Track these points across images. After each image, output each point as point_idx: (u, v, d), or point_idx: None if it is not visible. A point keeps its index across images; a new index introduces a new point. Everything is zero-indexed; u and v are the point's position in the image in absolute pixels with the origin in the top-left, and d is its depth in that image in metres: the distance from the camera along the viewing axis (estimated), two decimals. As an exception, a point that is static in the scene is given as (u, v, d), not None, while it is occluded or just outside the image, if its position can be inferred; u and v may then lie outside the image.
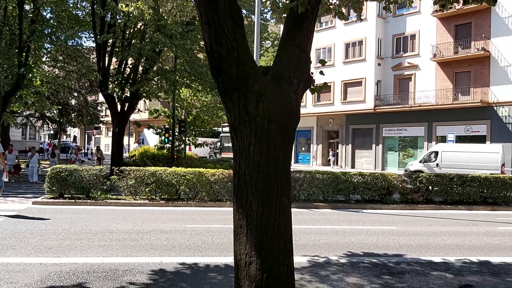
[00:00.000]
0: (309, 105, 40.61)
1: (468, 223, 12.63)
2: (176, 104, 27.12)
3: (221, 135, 45.68)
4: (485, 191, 16.07)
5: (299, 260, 7.72)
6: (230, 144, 44.81)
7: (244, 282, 3.55)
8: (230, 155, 41.85)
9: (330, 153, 40.05)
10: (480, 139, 30.54)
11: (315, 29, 31.48)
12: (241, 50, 3.52)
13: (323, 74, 4.06)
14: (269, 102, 3.57)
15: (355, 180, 15.84)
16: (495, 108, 29.95)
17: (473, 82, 31.00)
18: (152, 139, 45.54)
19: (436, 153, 25.99)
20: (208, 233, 10.06)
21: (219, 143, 45.60)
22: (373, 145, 36.90)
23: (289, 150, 3.72)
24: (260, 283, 3.48)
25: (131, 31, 22.78)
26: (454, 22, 32.08)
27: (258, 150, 3.55)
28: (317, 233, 10.36)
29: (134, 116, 46.68)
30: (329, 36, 39.01)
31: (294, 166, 37.83)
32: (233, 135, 3.67)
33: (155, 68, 23.19)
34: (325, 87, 4.07)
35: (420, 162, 26.67)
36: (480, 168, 22.27)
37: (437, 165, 25.30)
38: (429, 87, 33.25)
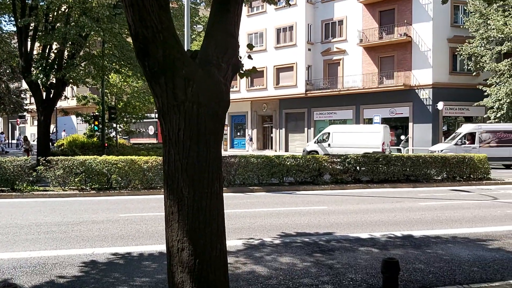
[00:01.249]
0: (242, 90, 40.75)
1: (393, 200, 13.41)
2: (106, 90, 26.15)
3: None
4: (407, 169, 17.08)
5: (234, 243, 7.84)
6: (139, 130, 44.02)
7: (176, 269, 3.55)
8: (138, 140, 41.32)
9: (247, 137, 40.66)
10: (404, 121, 32.35)
11: (247, 14, 31.43)
12: (168, 33, 3.46)
13: (252, 59, 4.09)
14: (197, 87, 3.54)
15: (288, 163, 16.20)
16: (416, 90, 31.76)
17: (396, 66, 32.61)
18: (74, 125, 43.71)
19: (329, 134, 28.10)
20: (142, 221, 9.90)
21: None
22: (305, 129, 37.87)
23: (219, 134, 3.74)
24: (193, 268, 3.50)
25: (55, 14, 21.47)
26: (378, 8, 33.42)
27: (188, 135, 3.53)
28: (252, 216, 10.53)
29: (61, 104, 44.42)
30: (260, 21, 39.17)
31: (230, 151, 38.00)
32: (161, 121, 3.62)
33: (82, 53, 22.12)
34: (254, 72, 4.10)
35: (315, 142, 28.68)
36: (364, 147, 24.51)
37: (329, 145, 27.32)
38: (356, 72, 34.54)
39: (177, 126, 3.52)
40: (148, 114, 40.65)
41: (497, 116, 27.91)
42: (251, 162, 15.92)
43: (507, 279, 5.95)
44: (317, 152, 26.51)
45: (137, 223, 9.67)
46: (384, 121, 31.44)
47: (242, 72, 4.00)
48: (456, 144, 24.97)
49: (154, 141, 42.84)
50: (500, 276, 6.13)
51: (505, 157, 24.19)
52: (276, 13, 37.95)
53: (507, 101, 27.02)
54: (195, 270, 3.50)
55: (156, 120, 42.14)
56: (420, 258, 7.00)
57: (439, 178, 17.63)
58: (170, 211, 3.61)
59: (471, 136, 25.01)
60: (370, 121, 32.34)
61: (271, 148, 39.92)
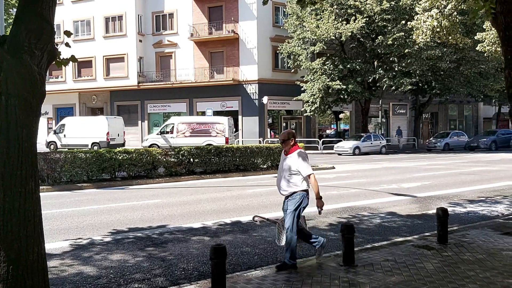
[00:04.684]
0: (69, 80, 37.90)
1: (224, 189, 14.03)
2: None
3: None
4: (237, 159, 18.03)
5: (60, 245, 7.34)
6: None
7: (-14, 278, 3.18)
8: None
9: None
10: (234, 114, 33.98)
11: (72, 0, 28.94)
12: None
13: (69, 46, 3.84)
14: (6, 75, 3.21)
15: (120, 157, 15.62)
16: (244, 85, 33.63)
17: (226, 61, 34.00)
18: None
19: (64, 125, 30.02)
20: None
21: None
22: (139, 122, 37.03)
23: (34, 127, 3.43)
24: (5, 276, 3.17)
25: None
26: (207, 4, 34.33)
27: (-4, 129, 3.17)
28: (81, 215, 9.92)
29: None
30: (87, 8, 36.83)
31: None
32: (-39, 113, 3.18)
33: None
34: (73, 60, 3.86)
35: (53, 133, 30.21)
36: (92, 137, 28.27)
37: (65, 135, 29.31)
38: (188, 65, 34.99)
39: (-20, 119, 3.14)
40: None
41: (312, 109, 31.25)
42: (79, 158, 14.91)
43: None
44: (54, 142, 29.40)
45: None
46: (217, 113, 32.58)
47: (59, 60, 3.74)
48: (157, 134, 28.70)
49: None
50: (314, 251, 6.93)
51: (198, 144, 24.32)
52: (104, 0, 36.09)
53: (320, 96, 30.42)
54: (9, 278, 3.19)
55: None
56: (247, 242, 7.50)
57: (265, 166, 19.02)
58: (-25, 215, 3.20)
59: (172, 127, 28.25)
60: (203, 113, 33.12)
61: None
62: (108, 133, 28.57)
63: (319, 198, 5.73)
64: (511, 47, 7.03)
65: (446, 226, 7.00)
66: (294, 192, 5.74)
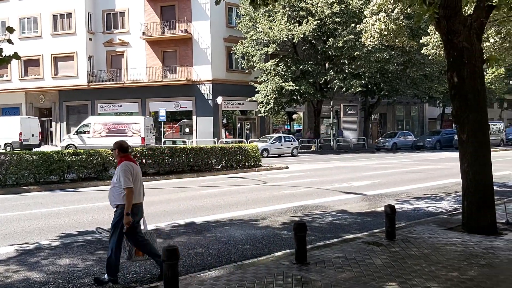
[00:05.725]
0: (15, 79, 36.33)
1: (178, 190, 13.89)
2: None
3: None
4: (191, 160, 17.89)
5: (5, 250, 7.08)
6: None
7: None
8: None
9: None
10: (188, 114, 33.72)
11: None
12: None
13: (12, 43, 3.68)
14: None
15: (69, 159, 15.13)
16: (198, 85, 33.41)
17: (179, 61, 33.65)
18: None
19: None
20: None
21: None
22: (89, 122, 35.92)
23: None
24: None
25: None
26: (160, 3, 33.86)
27: None
28: (28, 219, 9.54)
29: None
30: (34, 5, 35.48)
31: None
32: None
33: None
34: (16, 58, 3.71)
35: None
36: (2, 137, 27.70)
37: None
38: (140, 65, 34.35)
39: None
40: None
41: (266, 110, 31.47)
42: (26, 159, 14.33)
43: (272, 252, 6.83)
44: None
45: None
46: (170, 114, 32.18)
47: (2, 57, 3.58)
48: (74, 134, 28.58)
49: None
50: (267, 250, 7.01)
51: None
52: (52, -3, 34.89)
53: (273, 96, 30.68)
54: None
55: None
56: (201, 243, 7.47)
57: (219, 167, 18.98)
58: None
59: (89, 127, 28.17)
60: (156, 114, 32.60)
61: (51, 143, 36.63)
62: (20, 134, 27.77)
63: (126, 214, 5.49)
64: (453, 50, 7.43)
65: (394, 223, 7.26)
66: (118, 205, 5.65)
